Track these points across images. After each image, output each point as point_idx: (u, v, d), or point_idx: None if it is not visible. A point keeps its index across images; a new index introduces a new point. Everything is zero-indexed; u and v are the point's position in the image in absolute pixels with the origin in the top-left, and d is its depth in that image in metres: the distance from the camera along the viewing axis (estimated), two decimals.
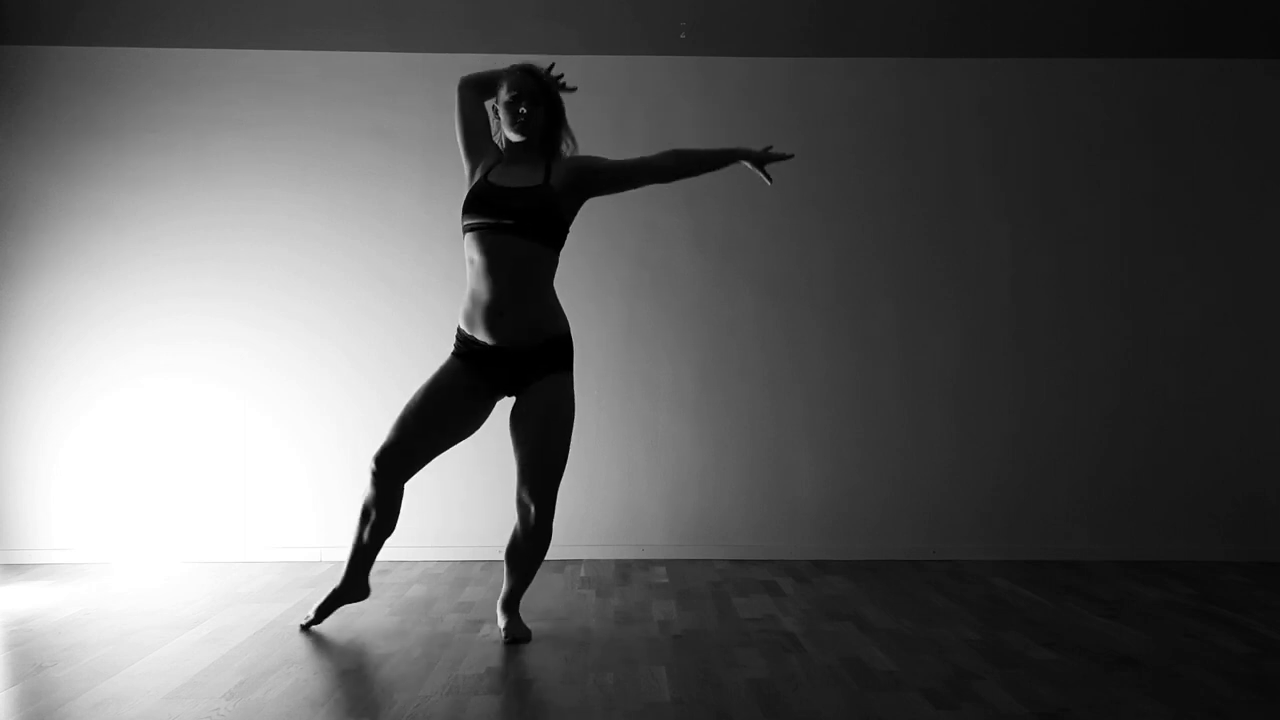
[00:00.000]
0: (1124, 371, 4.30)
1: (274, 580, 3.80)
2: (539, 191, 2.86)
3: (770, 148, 3.01)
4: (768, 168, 3.01)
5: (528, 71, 2.94)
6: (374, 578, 3.84)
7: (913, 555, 4.23)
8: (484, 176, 2.92)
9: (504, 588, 3.07)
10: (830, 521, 4.26)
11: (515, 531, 2.99)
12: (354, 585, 3.09)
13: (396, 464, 2.95)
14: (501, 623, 3.02)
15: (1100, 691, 2.48)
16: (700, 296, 4.29)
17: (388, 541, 4.19)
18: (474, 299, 2.87)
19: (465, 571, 3.97)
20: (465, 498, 4.21)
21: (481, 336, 2.87)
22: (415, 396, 2.94)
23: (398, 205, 4.27)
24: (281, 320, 4.23)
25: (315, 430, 4.23)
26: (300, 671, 2.64)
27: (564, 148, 3.00)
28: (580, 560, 4.16)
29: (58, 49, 4.21)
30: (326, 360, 4.24)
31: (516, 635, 2.97)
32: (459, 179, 4.22)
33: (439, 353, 4.19)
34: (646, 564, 4.13)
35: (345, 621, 3.18)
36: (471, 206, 2.87)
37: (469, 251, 2.88)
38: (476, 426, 3.00)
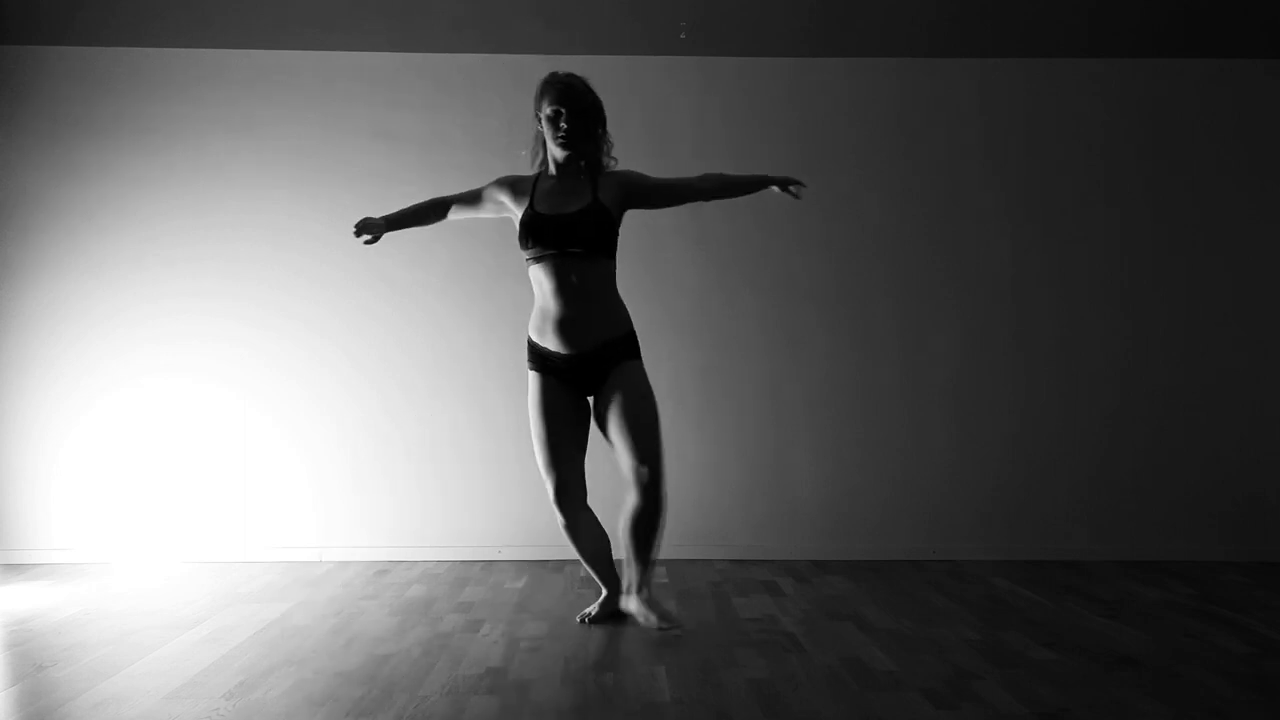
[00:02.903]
0: (1124, 371, 4.30)
1: (274, 580, 3.80)
2: (593, 212, 2.96)
3: (794, 182, 3.12)
4: (792, 189, 3.12)
5: (567, 84, 2.98)
6: (373, 577, 3.85)
7: (913, 555, 4.23)
8: (530, 206, 3.01)
9: (629, 574, 3.06)
10: (830, 521, 4.26)
11: (634, 510, 3.01)
12: (613, 589, 3.21)
13: (571, 497, 3.10)
14: (641, 613, 3.01)
15: (1100, 691, 2.48)
16: (700, 297, 4.29)
17: (388, 541, 4.23)
18: (544, 314, 3.01)
19: (465, 571, 3.97)
20: (465, 498, 4.21)
21: (554, 346, 3.00)
22: (540, 430, 3.06)
23: (397, 205, 4.24)
24: (281, 320, 4.23)
25: (315, 430, 4.22)
26: (300, 671, 2.64)
27: (606, 159, 3.06)
28: (580, 560, 4.15)
29: (58, 49, 4.21)
30: (326, 360, 4.24)
31: (667, 619, 2.98)
32: (459, 179, 4.22)
33: (438, 353, 4.23)
34: None
35: (345, 621, 3.18)
36: (532, 239, 2.97)
37: (536, 275, 3.00)
38: (590, 419, 3.13)
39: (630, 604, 3.06)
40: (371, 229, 3.11)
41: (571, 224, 2.94)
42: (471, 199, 3.17)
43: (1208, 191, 4.34)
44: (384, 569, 4.00)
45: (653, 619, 2.98)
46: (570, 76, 3.02)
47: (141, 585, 3.72)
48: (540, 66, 4.21)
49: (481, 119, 4.27)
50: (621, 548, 3.07)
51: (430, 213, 3.22)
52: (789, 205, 4.33)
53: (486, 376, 4.24)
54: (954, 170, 4.33)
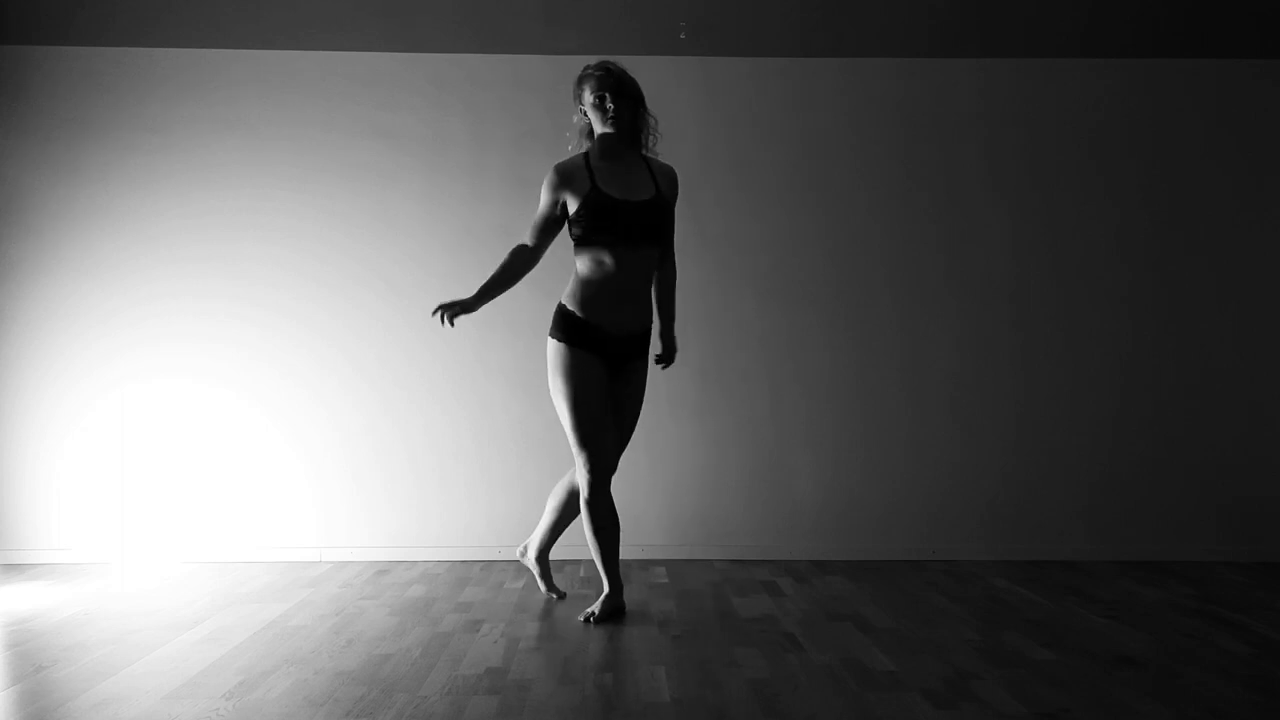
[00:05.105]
0: (1124, 371, 4.30)
1: (274, 580, 3.80)
2: (658, 204, 3.14)
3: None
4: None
5: (606, 71, 3.13)
6: (373, 577, 3.85)
7: (913, 555, 4.23)
8: (594, 186, 3.09)
9: (540, 536, 3.51)
10: (830, 521, 4.26)
11: (573, 484, 3.35)
12: (614, 586, 3.27)
13: (607, 473, 3.19)
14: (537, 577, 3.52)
15: (1100, 691, 2.48)
16: (700, 296, 4.28)
17: (388, 541, 4.22)
18: (603, 292, 3.11)
19: (465, 571, 3.97)
20: (465, 498, 4.21)
21: (607, 325, 3.13)
22: (577, 403, 3.10)
23: (397, 205, 4.27)
24: (281, 320, 4.23)
25: (315, 430, 4.22)
26: (300, 671, 2.64)
27: (653, 135, 3.23)
28: (580, 560, 4.16)
29: (58, 49, 4.21)
30: (326, 360, 4.24)
31: (553, 589, 3.53)
32: (459, 179, 4.28)
33: (437, 353, 4.22)
34: (646, 564, 4.13)
35: (345, 621, 3.18)
36: (601, 222, 3.06)
37: (596, 255, 3.10)
38: None
39: (529, 562, 3.53)
40: (466, 309, 3.07)
41: (642, 214, 3.09)
42: (551, 225, 3.17)
43: (1207, 191, 4.34)
44: (384, 569, 4.00)
45: (541, 586, 3.51)
46: (607, 63, 3.16)
47: (141, 585, 3.72)
48: (540, 66, 4.26)
49: (481, 119, 4.28)
50: (550, 509, 3.43)
51: (521, 267, 3.18)
52: (788, 204, 4.35)
53: (486, 377, 4.24)
54: (954, 170, 4.33)
